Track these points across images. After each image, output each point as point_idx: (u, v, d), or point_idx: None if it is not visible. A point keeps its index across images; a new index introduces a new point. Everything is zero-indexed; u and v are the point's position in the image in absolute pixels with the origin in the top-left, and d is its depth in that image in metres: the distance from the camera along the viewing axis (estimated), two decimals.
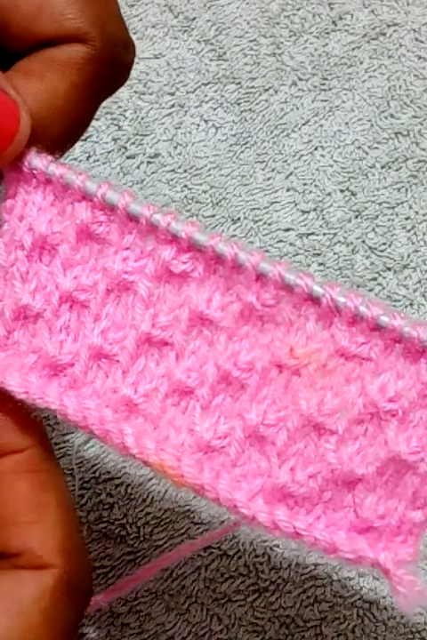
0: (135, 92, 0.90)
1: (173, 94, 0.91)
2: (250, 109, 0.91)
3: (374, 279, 0.85)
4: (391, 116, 0.90)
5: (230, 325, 0.47)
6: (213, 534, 0.64)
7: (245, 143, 0.89)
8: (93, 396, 0.49)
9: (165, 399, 0.49)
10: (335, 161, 0.89)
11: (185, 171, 0.88)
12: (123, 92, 0.55)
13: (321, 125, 0.90)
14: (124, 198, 0.48)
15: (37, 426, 0.51)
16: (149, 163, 0.89)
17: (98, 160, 0.88)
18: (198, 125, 0.90)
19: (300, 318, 0.46)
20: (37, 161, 0.49)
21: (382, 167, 0.89)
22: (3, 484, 0.49)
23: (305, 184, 0.88)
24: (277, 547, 0.76)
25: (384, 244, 0.86)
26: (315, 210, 0.88)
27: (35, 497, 0.49)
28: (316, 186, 0.88)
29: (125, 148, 0.89)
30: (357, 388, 0.46)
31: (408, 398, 0.45)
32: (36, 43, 0.51)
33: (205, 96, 0.91)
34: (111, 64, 0.52)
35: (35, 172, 0.49)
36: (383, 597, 0.76)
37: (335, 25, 0.94)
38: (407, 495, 0.46)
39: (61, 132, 0.51)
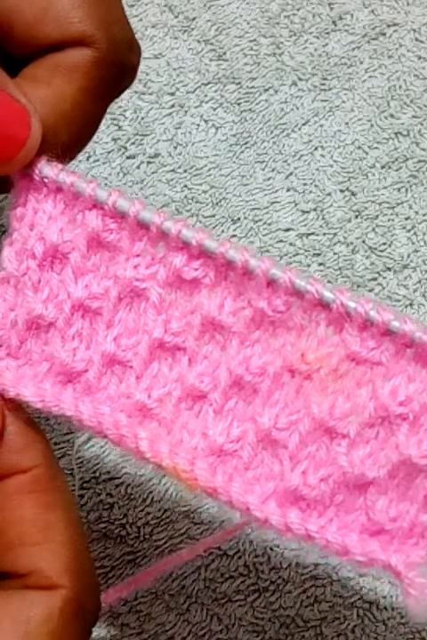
0: (135, 91, 0.90)
1: (173, 94, 0.91)
2: (250, 109, 0.91)
3: (374, 279, 0.85)
4: (391, 115, 0.91)
5: (242, 330, 0.47)
6: (216, 537, 0.64)
7: (245, 143, 0.90)
8: (107, 402, 0.49)
9: (179, 403, 0.49)
10: (335, 161, 0.89)
11: (185, 171, 0.88)
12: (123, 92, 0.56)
13: (321, 125, 0.90)
14: (135, 206, 0.48)
15: (43, 443, 0.50)
16: (149, 163, 0.89)
17: (98, 160, 0.89)
18: (198, 125, 0.90)
19: (311, 323, 0.47)
20: (48, 169, 0.49)
21: (382, 167, 0.89)
22: (9, 505, 0.49)
23: (305, 184, 0.89)
24: (277, 547, 0.77)
25: (384, 244, 0.86)
26: (315, 210, 0.88)
27: (41, 517, 0.48)
28: (316, 186, 0.88)
29: (125, 148, 0.89)
30: (368, 391, 0.46)
31: (419, 402, 0.45)
32: (41, 48, 0.51)
33: (205, 96, 0.91)
34: (117, 66, 0.52)
35: (45, 180, 0.49)
36: (383, 597, 0.77)
37: (335, 25, 0.94)
38: (419, 498, 0.46)
39: (70, 137, 0.50)
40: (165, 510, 0.77)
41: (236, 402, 0.48)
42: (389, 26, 0.94)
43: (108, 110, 0.59)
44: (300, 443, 0.47)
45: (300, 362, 0.47)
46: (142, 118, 0.90)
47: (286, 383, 0.47)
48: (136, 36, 0.87)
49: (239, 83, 0.91)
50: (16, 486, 0.49)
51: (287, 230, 0.87)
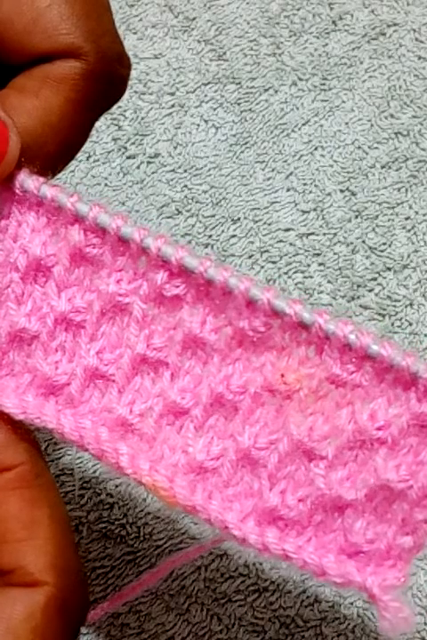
0: (135, 91, 0.90)
1: (173, 94, 0.91)
2: (250, 109, 0.91)
3: (374, 279, 0.85)
4: (391, 115, 0.91)
5: (223, 348, 0.47)
6: (207, 543, 0.64)
7: (245, 143, 0.90)
8: (89, 415, 0.49)
9: (160, 419, 0.48)
10: (335, 161, 0.89)
11: (185, 171, 0.89)
12: None
13: (321, 125, 0.90)
14: (116, 221, 0.47)
15: (29, 440, 0.50)
16: (149, 163, 0.89)
17: (98, 160, 0.89)
18: (198, 125, 0.90)
19: (292, 343, 0.46)
20: (29, 182, 0.49)
21: (382, 167, 0.89)
22: None
23: (305, 184, 0.89)
24: None
25: (384, 244, 0.86)
26: (315, 210, 0.88)
27: (26, 514, 0.48)
28: (316, 186, 0.88)
29: (125, 148, 0.89)
30: (347, 414, 0.45)
31: (398, 426, 0.44)
32: (30, 58, 0.50)
33: (205, 96, 0.91)
34: (106, 79, 0.51)
35: (27, 193, 0.49)
36: None
37: (335, 25, 0.94)
38: (397, 521, 0.45)
39: (57, 149, 0.50)
40: (165, 510, 0.77)
41: (217, 419, 0.48)
42: (389, 26, 0.94)
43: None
44: (279, 463, 0.47)
45: (280, 382, 0.46)
46: (142, 118, 0.90)
47: (267, 402, 0.47)
48: (136, 36, 0.88)
49: (239, 83, 0.91)
50: (2, 482, 0.48)
51: (287, 230, 0.87)
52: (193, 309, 0.47)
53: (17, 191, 0.49)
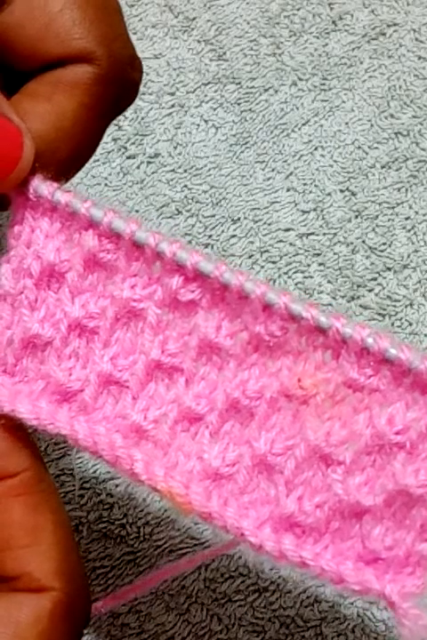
0: None
1: (173, 94, 0.91)
2: (250, 109, 0.91)
3: (374, 279, 0.85)
4: (391, 115, 0.91)
5: (239, 353, 0.47)
6: (215, 550, 0.64)
7: (245, 143, 0.90)
8: (103, 422, 0.49)
9: (175, 425, 0.48)
10: (335, 161, 0.89)
11: (185, 171, 0.88)
12: None
13: (321, 125, 0.90)
14: (130, 227, 0.47)
15: (30, 447, 0.50)
16: (149, 163, 0.89)
17: (98, 160, 0.88)
18: (198, 125, 0.90)
19: (308, 348, 0.46)
20: (43, 188, 0.49)
21: (382, 167, 0.89)
22: None
23: (305, 184, 0.89)
24: None
25: (384, 244, 0.86)
26: (315, 210, 0.88)
27: (30, 520, 0.48)
28: (316, 186, 0.89)
29: (125, 148, 0.89)
30: (365, 418, 0.45)
31: (417, 430, 0.44)
32: (43, 63, 0.51)
33: (205, 96, 0.91)
34: (118, 83, 0.52)
35: (40, 199, 0.49)
36: None
37: (335, 25, 0.94)
38: (416, 527, 0.45)
39: (69, 154, 0.50)
40: (165, 510, 0.77)
41: (232, 425, 0.48)
42: (389, 26, 0.94)
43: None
44: (296, 468, 0.46)
45: (296, 387, 0.46)
46: (142, 118, 0.90)
47: (283, 407, 0.47)
48: (136, 36, 0.88)
49: (239, 83, 0.91)
50: (4, 490, 0.49)
51: (287, 230, 0.87)
52: (208, 314, 0.47)
53: (31, 197, 0.49)
